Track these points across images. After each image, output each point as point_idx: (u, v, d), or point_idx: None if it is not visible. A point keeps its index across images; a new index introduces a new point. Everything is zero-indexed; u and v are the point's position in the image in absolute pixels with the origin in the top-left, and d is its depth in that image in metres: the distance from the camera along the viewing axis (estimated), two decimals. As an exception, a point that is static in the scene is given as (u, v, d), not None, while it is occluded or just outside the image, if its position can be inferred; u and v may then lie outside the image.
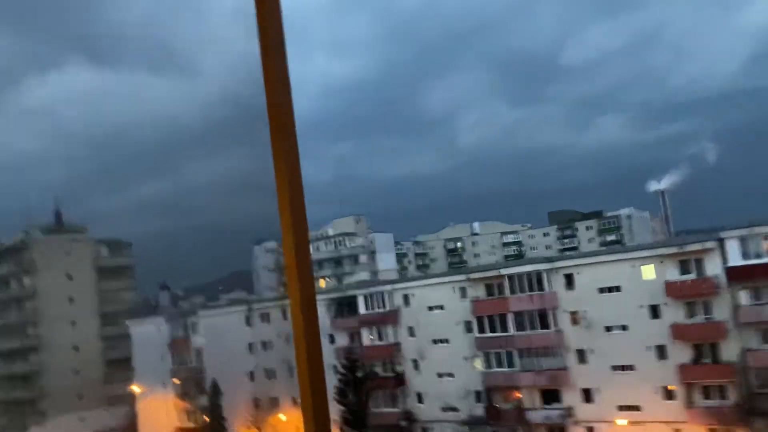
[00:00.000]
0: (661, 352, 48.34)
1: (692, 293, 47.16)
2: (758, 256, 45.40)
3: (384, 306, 60.67)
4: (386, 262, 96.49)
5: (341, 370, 56.45)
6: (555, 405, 52.27)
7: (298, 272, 2.12)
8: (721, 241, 46.64)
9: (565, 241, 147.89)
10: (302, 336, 2.12)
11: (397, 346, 59.60)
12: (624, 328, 49.81)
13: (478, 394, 55.63)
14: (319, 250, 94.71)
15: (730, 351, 45.86)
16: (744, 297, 45.70)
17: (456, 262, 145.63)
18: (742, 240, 45.95)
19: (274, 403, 62.71)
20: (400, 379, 59.28)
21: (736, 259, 45.89)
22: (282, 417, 61.12)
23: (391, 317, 59.94)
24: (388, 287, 61.79)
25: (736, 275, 45.66)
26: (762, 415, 43.59)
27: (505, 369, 54.40)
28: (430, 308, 58.36)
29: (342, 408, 54.52)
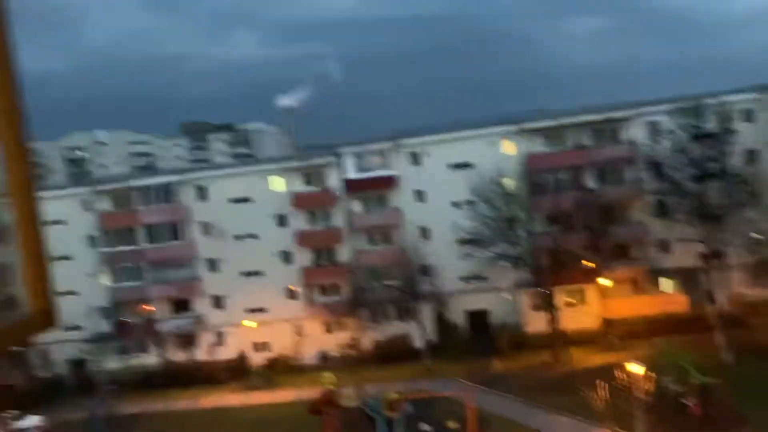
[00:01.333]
0: (286, 257, 52.11)
1: (315, 203, 51.48)
2: (369, 169, 51.34)
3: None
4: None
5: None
6: (185, 314, 52.94)
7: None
8: (339, 156, 51.42)
9: (197, 152, 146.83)
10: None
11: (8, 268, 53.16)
12: (253, 236, 52.21)
13: (106, 310, 53.21)
14: None
15: (344, 253, 51.70)
16: (356, 206, 51.58)
17: (78, 172, 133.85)
18: (357, 156, 51.33)
19: None
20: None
21: (351, 173, 51.22)
22: None
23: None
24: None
25: (351, 187, 51.12)
26: (366, 306, 50.59)
27: (135, 283, 52.89)
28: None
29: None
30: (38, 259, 2.16)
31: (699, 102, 43.99)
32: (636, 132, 48.21)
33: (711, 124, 43.86)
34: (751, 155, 46.44)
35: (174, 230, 52.49)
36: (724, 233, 43.57)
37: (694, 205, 43.87)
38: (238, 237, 52.34)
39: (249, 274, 52.37)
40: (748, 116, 46.75)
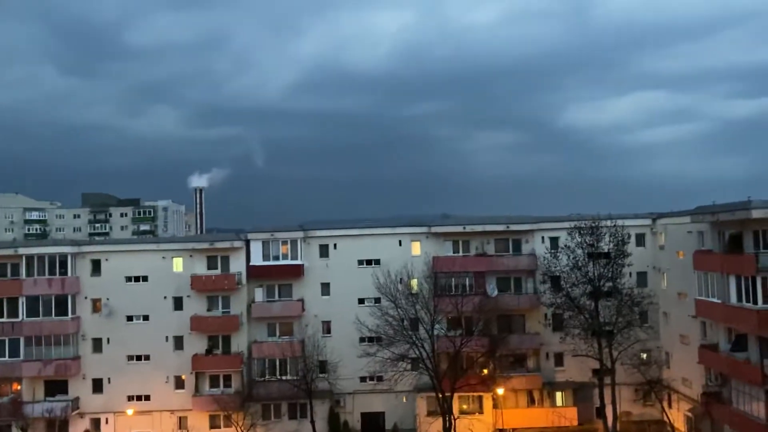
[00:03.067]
0: (179, 342, 49.63)
1: (215, 287, 49.79)
2: (276, 257, 50.56)
3: None
4: None
5: None
6: (60, 396, 48.84)
7: None
8: (247, 242, 50.50)
9: (97, 225, 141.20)
10: None
11: None
12: (146, 318, 49.68)
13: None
14: None
15: (240, 342, 49.78)
16: (259, 293, 50.28)
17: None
18: (265, 242, 50.59)
19: None
20: None
21: (257, 259, 50.24)
22: None
23: None
24: None
25: (255, 273, 50.00)
26: (257, 400, 48.38)
27: (6, 358, 48.63)
28: None
29: None
30: None
31: (596, 222, 46.50)
32: (537, 245, 50.13)
33: (606, 245, 46.26)
34: (642, 277, 49.02)
35: (60, 304, 49.16)
36: (615, 350, 45.17)
37: (588, 320, 45.49)
38: (129, 317, 49.64)
39: (136, 357, 49.41)
40: (640, 240, 49.69)
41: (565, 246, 47.39)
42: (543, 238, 50.20)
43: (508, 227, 50.15)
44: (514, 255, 50.27)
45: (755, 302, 35.25)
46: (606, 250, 46.19)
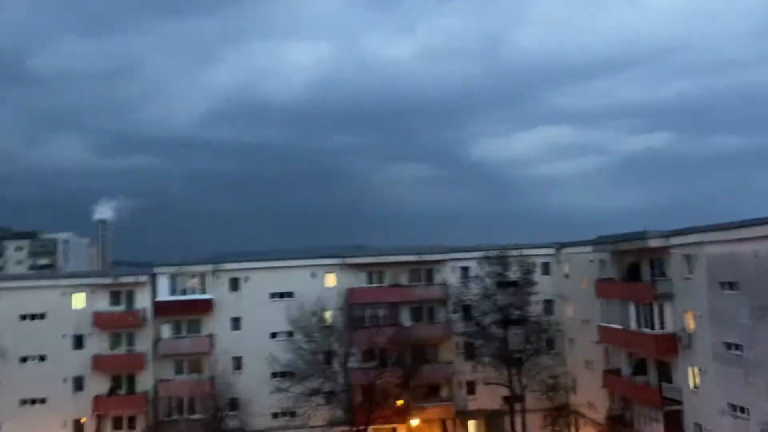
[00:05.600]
0: (78, 383, 46.97)
1: (119, 324, 47.58)
2: (184, 292, 48.95)
3: None
4: None
5: None
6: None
7: None
8: (154, 276, 48.67)
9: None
10: None
11: None
12: (42, 358, 46.81)
13: None
14: None
15: (146, 381, 47.63)
16: (166, 330, 48.39)
17: None
18: (173, 277, 48.90)
19: None
20: None
21: (164, 294, 48.45)
22: None
23: None
24: None
25: (162, 309, 48.15)
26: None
27: None
28: None
29: None
30: None
31: (504, 252, 47.80)
32: (449, 275, 50.92)
33: (514, 274, 47.58)
34: (548, 305, 50.62)
35: (-55, 346, 45.61)
36: (525, 377, 46.25)
37: (498, 348, 46.43)
38: (23, 358, 46.61)
39: (30, 401, 46.31)
40: (546, 269, 51.41)
41: (475, 275, 48.41)
42: (454, 268, 51.03)
43: (420, 257, 50.72)
44: (426, 285, 50.79)
45: (653, 327, 37.07)
46: (513, 279, 47.47)
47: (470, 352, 49.19)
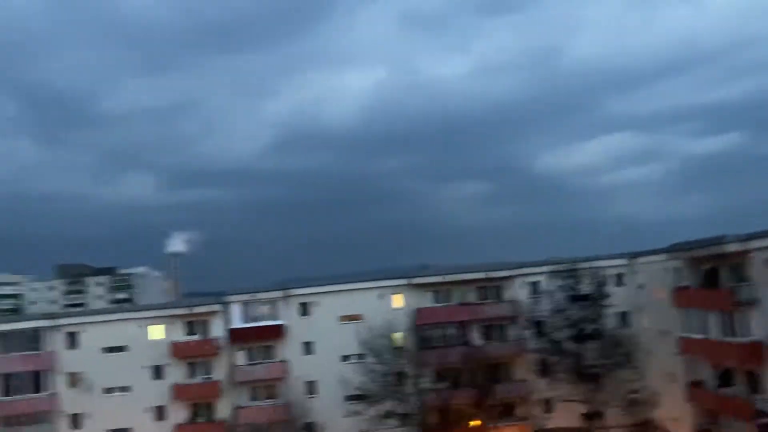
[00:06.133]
0: (160, 412, 48.28)
1: (195, 353, 48.81)
2: (256, 319, 49.88)
3: None
4: None
5: None
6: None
7: None
8: (226, 305, 49.82)
9: (73, 296, 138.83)
10: None
11: None
12: (125, 389, 48.38)
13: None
14: None
15: (224, 409, 48.57)
16: (241, 357, 49.34)
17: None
18: (245, 305, 49.94)
19: None
20: None
21: (237, 322, 49.50)
22: None
23: None
24: None
25: (236, 337, 49.14)
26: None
27: (-19, 441, 46.80)
28: None
29: None
30: None
31: (574, 265, 46.79)
32: (518, 291, 50.16)
33: (586, 287, 46.48)
34: (624, 317, 49.12)
35: (36, 381, 47.75)
36: (603, 393, 44.86)
37: (574, 364, 45.28)
38: (108, 390, 48.29)
39: (115, 431, 47.85)
40: (619, 280, 49.98)
41: (546, 290, 47.51)
42: (523, 283, 50.24)
43: (487, 275, 50.18)
44: (496, 302, 50.16)
45: (737, 335, 35.46)
46: (586, 293, 46.39)
47: (545, 369, 48.15)
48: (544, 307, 47.10)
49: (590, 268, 46.85)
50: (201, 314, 49.74)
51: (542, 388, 48.30)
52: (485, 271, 50.41)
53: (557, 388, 46.64)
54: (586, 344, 45.42)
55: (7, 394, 47.32)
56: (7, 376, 47.47)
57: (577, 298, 46.09)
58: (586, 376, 44.85)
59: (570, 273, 46.47)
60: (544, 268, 48.97)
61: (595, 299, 46.08)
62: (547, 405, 48.66)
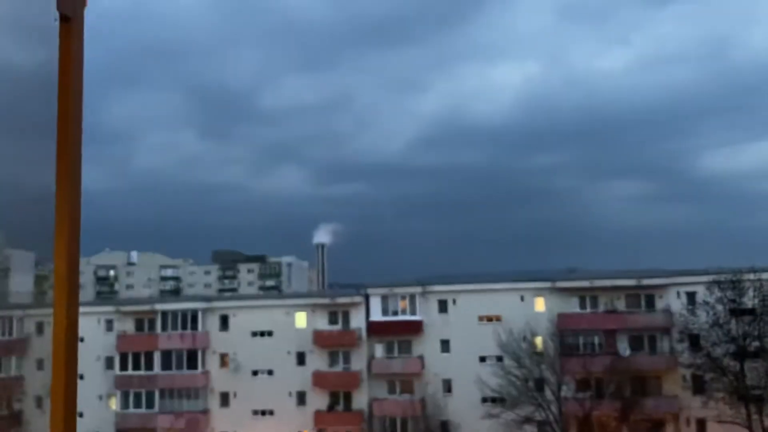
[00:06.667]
0: (301, 398, 50.09)
1: (336, 343, 50.14)
2: (395, 313, 50.35)
3: (12, 334, 52.70)
4: (22, 284, 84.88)
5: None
6: (190, 449, 50.31)
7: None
8: (367, 297, 50.72)
9: (226, 281, 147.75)
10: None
11: (19, 381, 51.92)
12: (270, 372, 50.62)
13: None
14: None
15: (361, 399, 49.53)
16: (379, 349, 50.05)
17: (106, 291, 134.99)
18: (384, 298, 50.58)
19: None
20: (16, 419, 51.49)
21: (377, 315, 50.24)
22: None
23: (19, 347, 52.24)
24: (19, 313, 53.97)
25: (375, 329, 49.92)
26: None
27: (143, 410, 50.98)
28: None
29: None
30: (69, 379, 1.99)
31: (738, 276, 42.97)
32: (672, 301, 46.88)
33: (751, 300, 42.55)
34: (794, 336, 44.45)
35: (191, 359, 51.29)
36: (766, 418, 40.91)
37: (733, 383, 41.65)
38: (254, 372, 50.79)
39: (261, 412, 50.23)
40: (790, 295, 45.24)
41: (704, 302, 44.03)
42: (679, 293, 46.88)
43: (639, 282, 47.32)
44: (647, 312, 47.22)
45: None
46: (750, 306, 42.47)
47: (699, 387, 44.64)
48: (701, 319, 43.65)
49: (756, 279, 42.77)
50: (343, 305, 51.00)
51: (695, 406, 44.84)
52: (637, 278, 47.59)
53: (713, 407, 43.08)
54: (749, 362, 41.58)
55: (168, 368, 51.18)
56: (168, 353, 51.33)
57: (739, 312, 42.31)
58: (748, 398, 41.06)
59: (733, 284, 42.73)
60: (704, 278, 45.34)
61: (760, 314, 42.06)
62: (700, 425, 45.14)
